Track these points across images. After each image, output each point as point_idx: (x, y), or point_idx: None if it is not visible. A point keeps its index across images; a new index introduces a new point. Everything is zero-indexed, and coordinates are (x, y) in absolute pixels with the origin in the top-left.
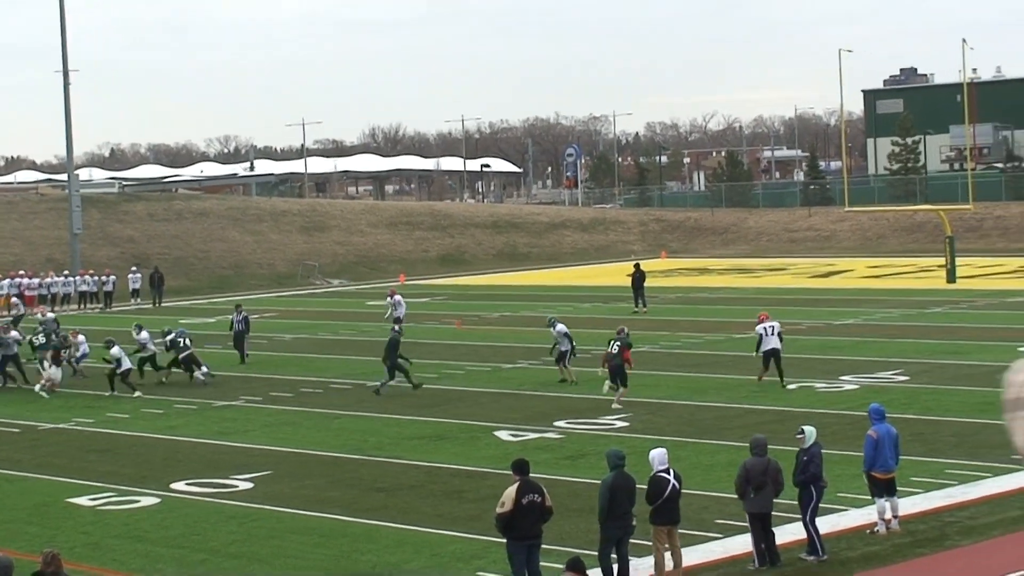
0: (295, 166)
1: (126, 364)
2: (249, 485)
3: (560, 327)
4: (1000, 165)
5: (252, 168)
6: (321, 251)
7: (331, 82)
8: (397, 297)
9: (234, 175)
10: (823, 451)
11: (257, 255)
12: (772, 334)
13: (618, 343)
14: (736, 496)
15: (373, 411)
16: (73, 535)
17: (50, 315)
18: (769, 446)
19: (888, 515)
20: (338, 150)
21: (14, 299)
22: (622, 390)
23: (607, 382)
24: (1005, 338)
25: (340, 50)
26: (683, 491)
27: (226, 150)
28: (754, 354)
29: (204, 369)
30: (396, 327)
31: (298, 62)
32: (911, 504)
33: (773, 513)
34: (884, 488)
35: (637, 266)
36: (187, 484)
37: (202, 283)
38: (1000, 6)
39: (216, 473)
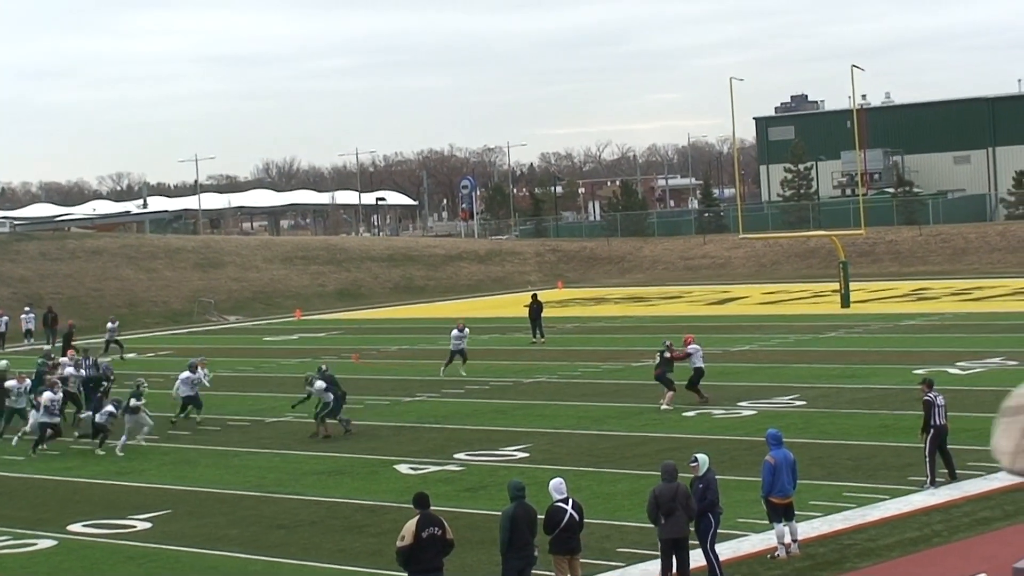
0: (189, 202)
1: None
2: (148, 525)
3: (319, 384)
4: (891, 190)
5: (145, 205)
6: (216, 288)
7: (224, 118)
8: (466, 330)
9: (127, 213)
10: (717, 477)
11: (151, 293)
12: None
13: (659, 353)
14: (650, 523)
15: (272, 447)
16: None
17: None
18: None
19: (787, 539)
20: (232, 186)
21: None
22: (669, 394)
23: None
24: (899, 361)
25: (232, 86)
26: (585, 520)
27: (119, 187)
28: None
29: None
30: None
31: (190, 98)
32: (810, 528)
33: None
34: (782, 513)
35: (534, 297)
36: (84, 526)
37: (96, 322)
38: (888, 33)
39: (114, 514)
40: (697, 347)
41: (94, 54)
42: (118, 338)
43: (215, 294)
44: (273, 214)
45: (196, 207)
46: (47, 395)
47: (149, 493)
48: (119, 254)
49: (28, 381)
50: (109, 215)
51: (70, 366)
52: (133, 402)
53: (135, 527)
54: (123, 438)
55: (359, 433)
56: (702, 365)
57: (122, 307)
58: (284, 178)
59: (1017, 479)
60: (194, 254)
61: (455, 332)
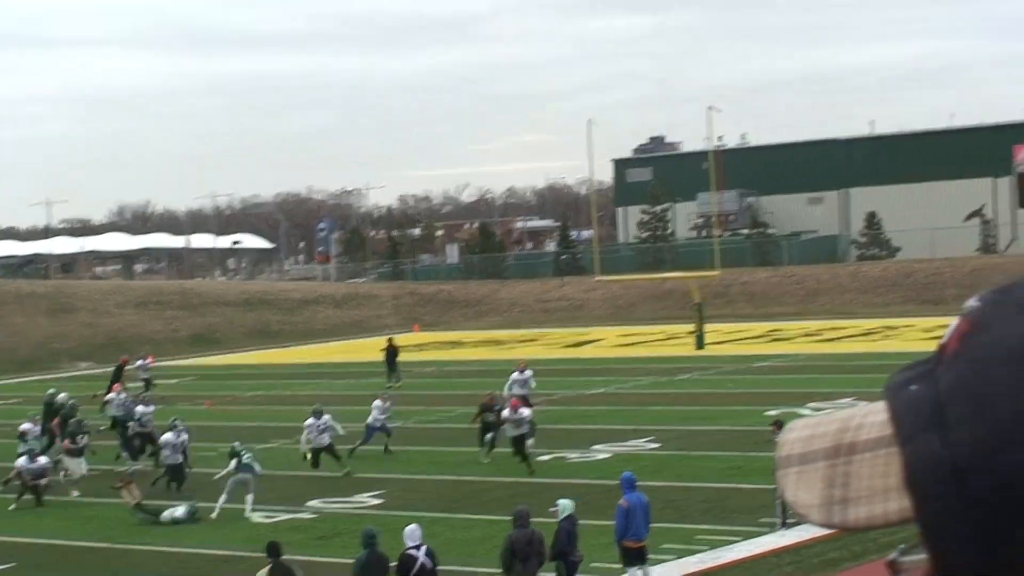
0: (40, 246)
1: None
2: None
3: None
4: (746, 231)
5: None
6: (68, 333)
7: (76, 159)
8: (528, 372)
9: None
10: (580, 522)
11: (0, 339)
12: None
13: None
14: (501, 570)
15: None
16: None
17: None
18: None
19: None
20: (85, 229)
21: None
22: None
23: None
24: (752, 402)
25: (84, 127)
26: (440, 567)
27: None
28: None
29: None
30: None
31: (42, 139)
32: (663, 571)
33: None
34: (636, 557)
35: (390, 340)
36: None
37: None
38: (745, 76)
39: None
40: (527, 412)
41: None
42: (148, 377)
43: (66, 340)
44: (127, 258)
45: (47, 251)
46: (169, 436)
47: None
48: None
49: (41, 426)
50: None
51: (141, 404)
52: (246, 457)
53: None
54: (249, 497)
55: (210, 481)
56: (524, 432)
57: None
58: (139, 221)
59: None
60: (45, 299)
61: (515, 375)
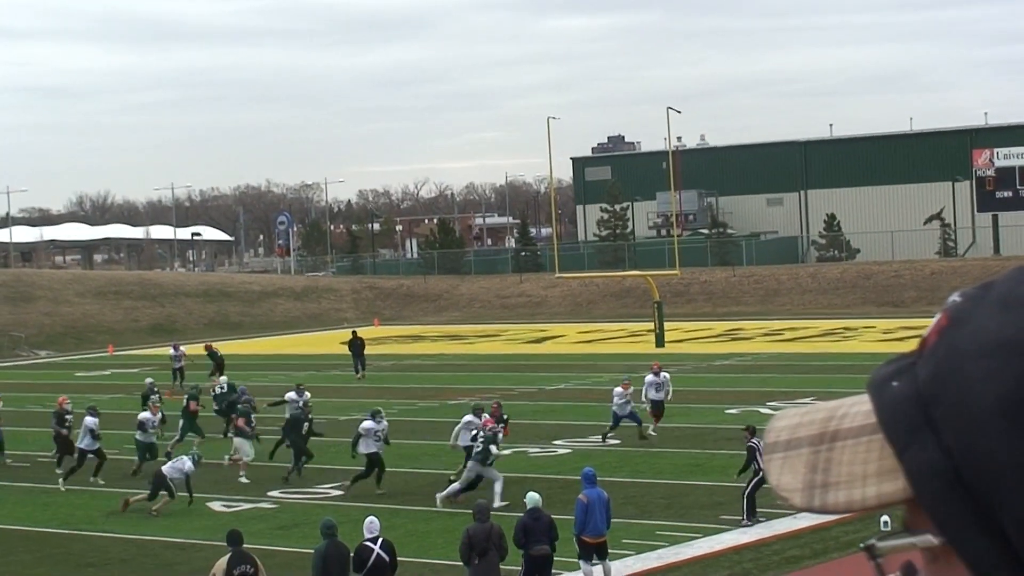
0: None
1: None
2: None
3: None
4: (705, 231)
5: None
6: (27, 322)
7: (36, 149)
8: (665, 375)
9: None
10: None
11: None
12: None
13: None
14: (461, 563)
15: (82, 484)
16: None
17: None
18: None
19: None
20: (44, 219)
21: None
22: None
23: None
24: (712, 401)
25: (45, 117)
26: (399, 559)
27: None
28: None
29: None
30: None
31: (2, 129)
32: (623, 566)
33: None
34: (595, 551)
35: (355, 333)
36: None
37: None
38: (704, 77)
39: None
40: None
41: None
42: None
43: (25, 328)
44: (86, 248)
45: (6, 240)
46: (369, 423)
47: None
48: None
49: (161, 414)
50: None
51: (292, 391)
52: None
53: None
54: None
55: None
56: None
57: None
58: (98, 212)
59: (816, 516)
60: (4, 287)
61: (650, 377)
